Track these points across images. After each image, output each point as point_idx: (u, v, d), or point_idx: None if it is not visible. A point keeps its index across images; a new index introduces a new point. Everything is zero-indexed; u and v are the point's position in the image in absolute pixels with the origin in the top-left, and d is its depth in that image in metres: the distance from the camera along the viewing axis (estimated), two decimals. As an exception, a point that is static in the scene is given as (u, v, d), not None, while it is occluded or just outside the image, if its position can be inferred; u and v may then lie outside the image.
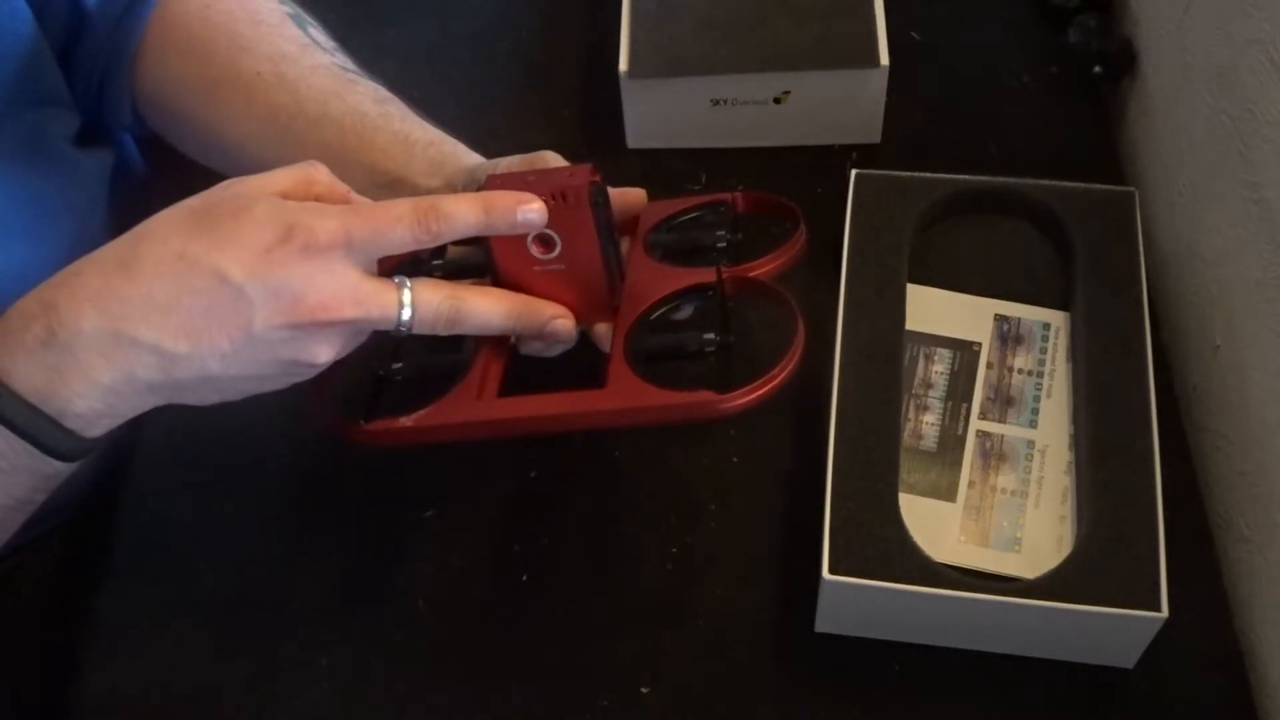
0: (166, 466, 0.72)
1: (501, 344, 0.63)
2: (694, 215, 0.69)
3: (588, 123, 0.83)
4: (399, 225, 0.54)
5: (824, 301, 0.70)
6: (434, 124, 0.84)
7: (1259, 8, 0.64)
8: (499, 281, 0.62)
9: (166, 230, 0.52)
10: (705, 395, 0.58)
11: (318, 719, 0.64)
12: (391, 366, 0.62)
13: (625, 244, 0.67)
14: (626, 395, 0.59)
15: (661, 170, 0.82)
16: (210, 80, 0.71)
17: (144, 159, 0.85)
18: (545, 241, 0.60)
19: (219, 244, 0.51)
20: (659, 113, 0.81)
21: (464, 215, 0.55)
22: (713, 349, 0.60)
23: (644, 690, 0.64)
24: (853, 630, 0.65)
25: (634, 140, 0.83)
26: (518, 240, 0.60)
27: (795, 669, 0.65)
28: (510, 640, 0.66)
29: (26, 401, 0.51)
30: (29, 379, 0.51)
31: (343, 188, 0.57)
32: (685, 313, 0.65)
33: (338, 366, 0.58)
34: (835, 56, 0.77)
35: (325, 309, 0.53)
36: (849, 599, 0.62)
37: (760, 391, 0.58)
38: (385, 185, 0.69)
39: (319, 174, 0.57)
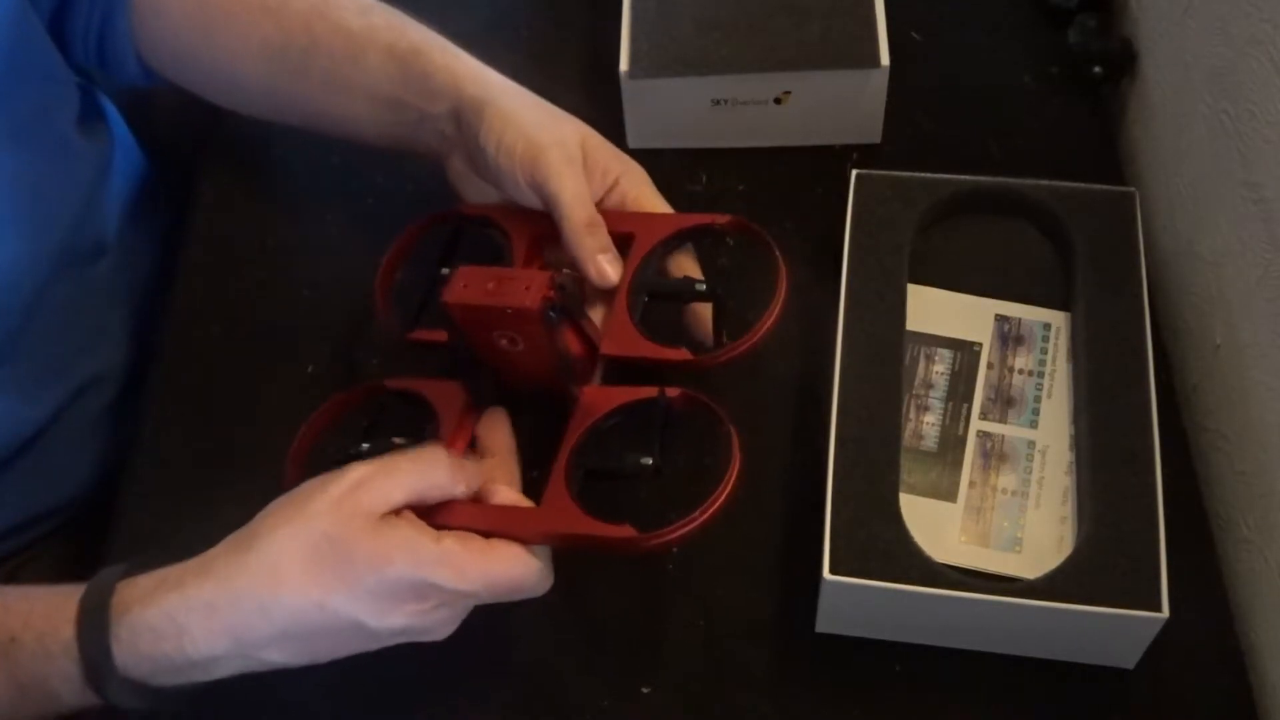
0: (167, 466, 0.72)
1: (465, 431, 0.64)
2: (679, 242, 0.68)
3: (588, 122, 0.83)
4: (514, 580, 0.56)
5: (824, 301, 0.70)
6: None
7: (1259, 8, 0.64)
8: (469, 352, 0.63)
9: (302, 573, 0.52)
10: (627, 531, 0.57)
11: (314, 717, 0.64)
12: (361, 447, 0.63)
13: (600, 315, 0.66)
14: (556, 520, 0.58)
15: (662, 170, 0.81)
16: (205, 21, 0.72)
17: (144, 156, 0.85)
18: (508, 337, 0.61)
19: (358, 599, 0.53)
20: (659, 113, 0.81)
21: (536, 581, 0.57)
22: (646, 473, 0.59)
23: (644, 690, 0.64)
24: (853, 630, 0.65)
25: (634, 140, 0.82)
26: (485, 330, 0.61)
27: (795, 669, 0.65)
28: (510, 640, 0.66)
29: (133, 685, 0.53)
30: (151, 678, 0.53)
31: (459, 487, 0.57)
32: (630, 426, 0.63)
33: (311, 443, 0.63)
34: (835, 56, 0.77)
35: (444, 635, 0.56)
36: (849, 599, 0.62)
37: (682, 531, 0.56)
38: (389, 108, 0.69)
39: (436, 479, 0.56)
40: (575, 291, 0.63)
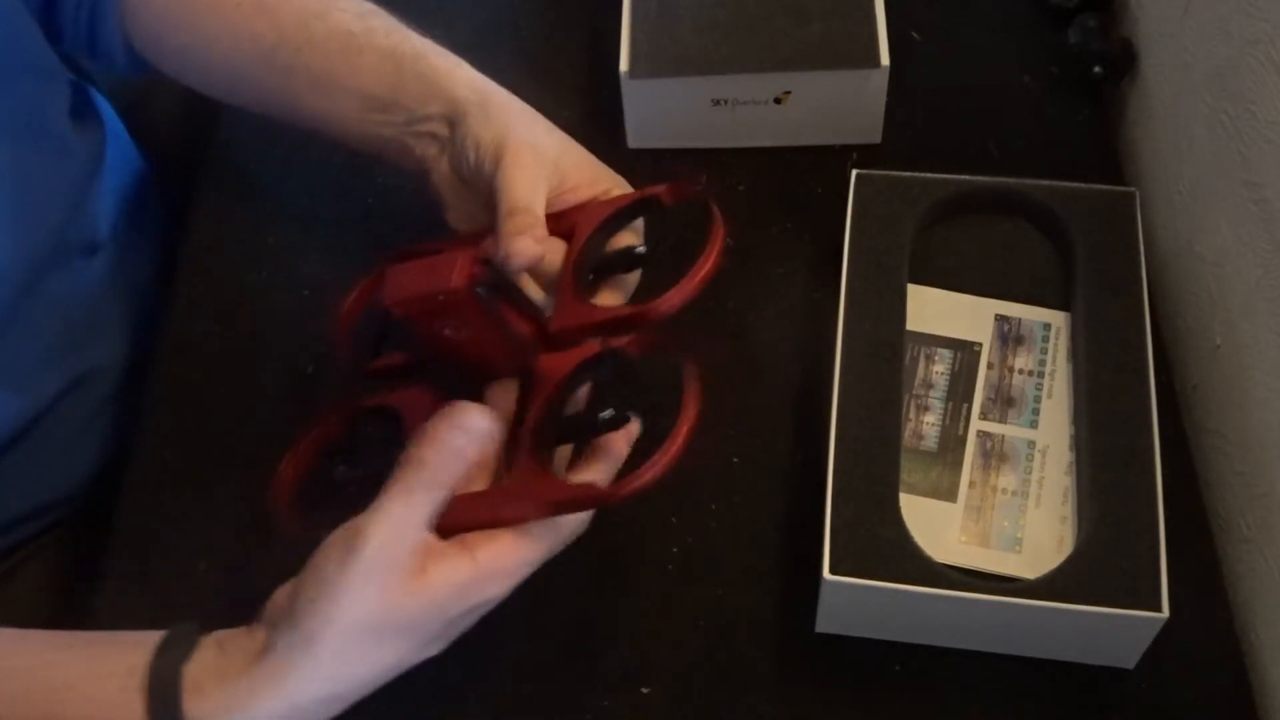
0: (166, 466, 0.72)
1: None
2: (621, 220, 0.68)
3: (588, 123, 0.83)
4: (547, 548, 0.57)
5: (824, 301, 0.70)
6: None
7: (1259, 8, 0.64)
8: (425, 349, 0.63)
9: (373, 659, 0.55)
10: (593, 488, 0.57)
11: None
12: (340, 468, 0.64)
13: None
14: (533, 492, 0.58)
15: (662, 170, 0.81)
16: (194, 14, 0.72)
17: (140, 154, 0.85)
18: (451, 325, 0.61)
19: (425, 648, 0.56)
20: (659, 113, 0.81)
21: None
22: (608, 426, 0.59)
23: (644, 690, 0.64)
24: (853, 630, 0.65)
25: (634, 140, 0.82)
26: (429, 326, 0.61)
27: (795, 669, 0.65)
28: (510, 640, 0.66)
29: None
30: None
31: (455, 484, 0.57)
32: (591, 381, 0.63)
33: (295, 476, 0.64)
34: (835, 56, 0.77)
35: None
36: (849, 599, 0.62)
37: (650, 474, 0.55)
38: (380, 109, 0.69)
39: (435, 494, 0.56)
40: (505, 272, 0.62)
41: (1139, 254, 0.70)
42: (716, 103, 0.80)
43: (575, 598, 0.66)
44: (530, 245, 0.62)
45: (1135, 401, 0.65)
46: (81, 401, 0.76)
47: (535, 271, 0.65)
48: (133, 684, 0.53)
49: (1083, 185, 0.72)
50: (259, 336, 0.77)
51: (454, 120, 0.67)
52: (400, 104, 0.68)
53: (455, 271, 0.58)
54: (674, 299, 0.61)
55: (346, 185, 0.82)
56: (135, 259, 0.81)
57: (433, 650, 0.56)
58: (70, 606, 0.70)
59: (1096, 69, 0.83)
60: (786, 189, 0.80)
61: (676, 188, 0.66)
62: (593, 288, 0.66)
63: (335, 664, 0.53)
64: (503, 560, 0.55)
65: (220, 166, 0.83)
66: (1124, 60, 0.83)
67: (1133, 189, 0.72)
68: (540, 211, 0.63)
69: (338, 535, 0.55)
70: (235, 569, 0.68)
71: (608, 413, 0.59)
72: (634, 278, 0.67)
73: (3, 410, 0.71)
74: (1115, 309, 0.68)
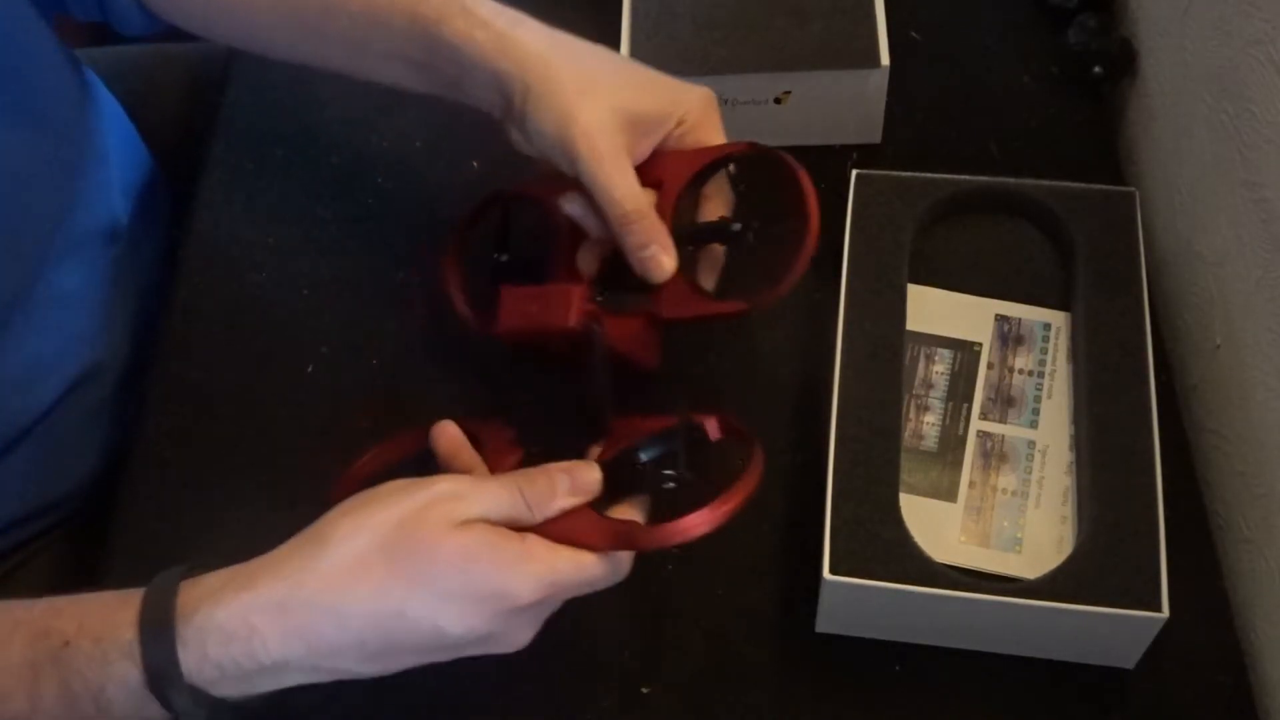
0: (166, 466, 0.72)
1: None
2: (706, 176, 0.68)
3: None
4: (596, 573, 0.55)
5: (824, 301, 0.70)
6: (435, 122, 0.84)
7: (1259, 8, 0.64)
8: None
9: (382, 575, 0.50)
10: (629, 525, 0.57)
11: (315, 718, 0.64)
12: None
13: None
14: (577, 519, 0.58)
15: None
16: None
17: (146, 148, 0.85)
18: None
19: (439, 604, 0.51)
20: (659, 113, 0.81)
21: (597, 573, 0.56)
22: (670, 492, 0.59)
23: (644, 690, 0.64)
24: (853, 630, 0.65)
25: (634, 140, 0.82)
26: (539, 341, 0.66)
27: (795, 669, 0.65)
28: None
29: (196, 692, 0.50)
30: (215, 685, 0.50)
31: (534, 516, 0.55)
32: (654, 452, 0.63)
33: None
34: (835, 56, 0.77)
35: (522, 644, 0.54)
36: (849, 599, 0.62)
37: (693, 525, 0.55)
38: (419, 70, 0.67)
39: (516, 510, 0.54)
40: (610, 292, 0.65)
41: (1139, 254, 0.70)
42: (716, 103, 0.80)
43: (575, 598, 0.66)
44: (667, 261, 0.63)
45: (1135, 401, 0.65)
46: (83, 400, 0.76)
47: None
48: (127, 595, 0.51)
49: (1083, 185, 0.72)
50: (259, 336, 0.77)
51: (505, 95, 0.64)
52: (440, 69, 0.66)
53: (571, 310, 0.63)
54: (782, 289, 0.63)
55: (346, 185, 0.82)
56: (142, 253, 0.81)
57: (443, 618, 0.51)
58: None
59: (1096, 69, 0.83)
60: (786, 188, 0.80)
61: (756, 146, 0.66)
62: (692, 261, 0.66)
63: (341, 567, 0.50)
64: (536, 559, 0.53)
65: (221, 166, 0.83)
66: (1124, 60, 0.83)
67: (1133, 189, 0.72)
68: (645, 204, 0.63)
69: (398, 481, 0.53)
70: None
71: (670, 478, 0.59)
72: (723, 249, 0.67)
73: (10, 408, 0.71)
74: (1115, 309, 0.68)
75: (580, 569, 0.54)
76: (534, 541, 0.53)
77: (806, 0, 0.79)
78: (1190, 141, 0.74)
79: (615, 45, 0.79)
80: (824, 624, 0.65)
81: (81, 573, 0.72)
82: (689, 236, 0.66)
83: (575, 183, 0.65)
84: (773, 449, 0.71)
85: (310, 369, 0.75)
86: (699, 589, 0.67)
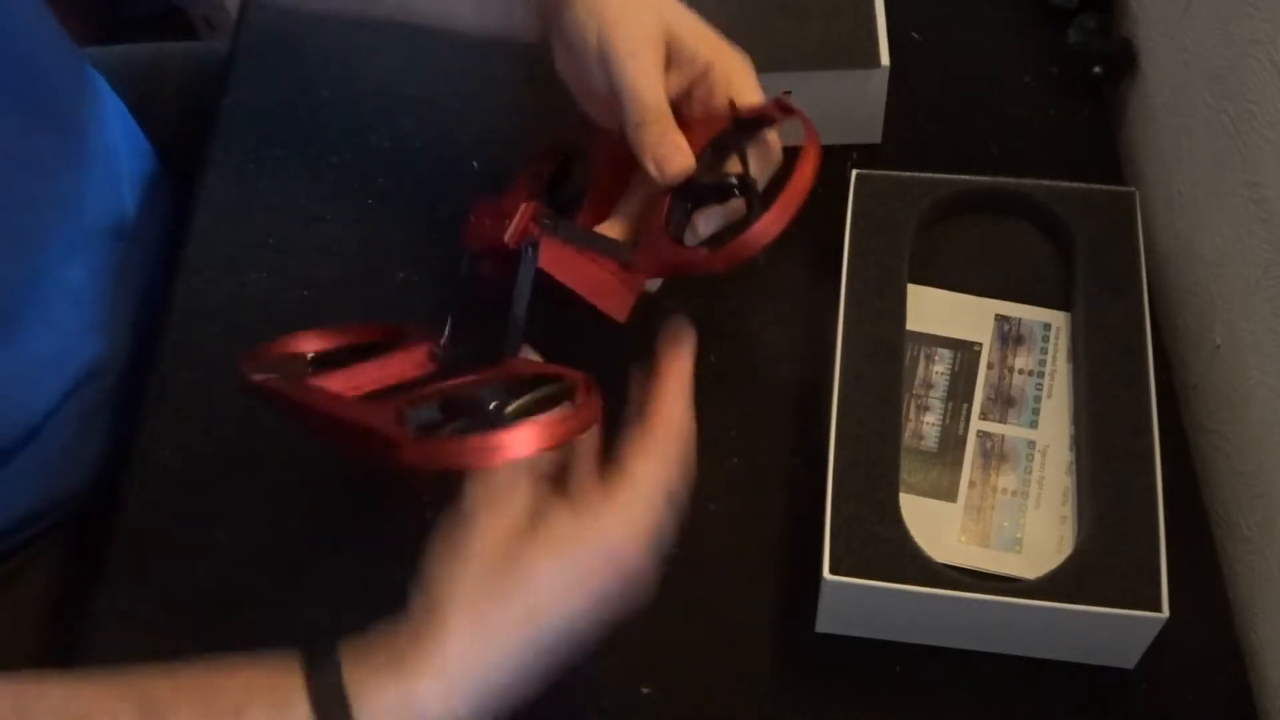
0: (167, 466, 0.72)
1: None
2: (727, 141, 0.67)
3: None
4: (662, 478, 0.55)
5: (824, 301, 0.70)
6: (436, 122, 0.84)
7: (1259, 8, 0.64)
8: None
9: (506, 624, 0.53)
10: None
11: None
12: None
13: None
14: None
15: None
16: None
17: (149, 144, 0.85)
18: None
19: (571, 613, 0.53)
20: (659, 113, 0.81)
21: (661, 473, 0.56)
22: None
23: (644, 690, 0.64)
24: (853, 630, 0.65)
25: (634, 140, 0.82)
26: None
27: (795, 669, 0.65)
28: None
29: None
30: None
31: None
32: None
33: None
34: (835, 56, 0.77)
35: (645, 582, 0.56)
36: (849, 599, 0.62)
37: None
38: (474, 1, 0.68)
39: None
40: (569, 222, 0.63)
41: (1139, 254, 0.70)
42: (716, 103, 0.80)
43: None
44: (681, 159, 0.61)
45: (1135, 401, 0.65)
46: (85, 398, 0.76)
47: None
48: (285, 664, 0.52)
49: (1083, 185, 0.72)
50: (259, 336, 0.77)
51: (547, 5, 0.65)
52: None
53: (510, 226, 0.61)
54: (749, 241, 0.61)
55: (346, 185, 0.82)
56: (145, 248, 0.81)
57: (576, 605, 0.53)
58: (72, 606, 0.70)
59: (1096, 69, 0.83)
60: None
61: (781, 103, 0.64)
62: (685, 220, 0.65)
63: (468, 618, 0.52)
64: (614, 499, 0.54)
65: (221, 166, 0.83)
66: (1124, 60, 0.83)
67: (1133, 189, 0.72)
68: (667, 109, 0.62)
69: (454, 506, 0.54)
70: (235, 569, 0.68)
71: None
72: (734, 204, 0.65)
73: (17, 408, 0.71)
74: (1115, 309, 0.68)
75: (644, 473, 0.55)
76: (581, 500, 0.54)
77: (806, 0, 0.79)
78: (1190, 141, 0.74)
79: (615, 45, 0.79)
80: (824, 624, 0.65)
81: (83, 573, 0.72)
82: (689, 195, 0.65)
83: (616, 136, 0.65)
84: (773, 449, 0.71)
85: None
86: (699, 589, 0.67)
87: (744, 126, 0.65)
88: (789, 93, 0.79)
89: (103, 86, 0.79)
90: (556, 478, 0.56)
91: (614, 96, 0.63)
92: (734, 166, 0.66)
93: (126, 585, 0.68)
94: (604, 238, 0.65)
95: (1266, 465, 0.65)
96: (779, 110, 0.64)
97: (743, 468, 0.70)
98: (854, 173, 0.73)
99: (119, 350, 0.78)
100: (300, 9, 0.74)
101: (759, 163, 0.65)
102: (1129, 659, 0.63)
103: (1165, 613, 0.59)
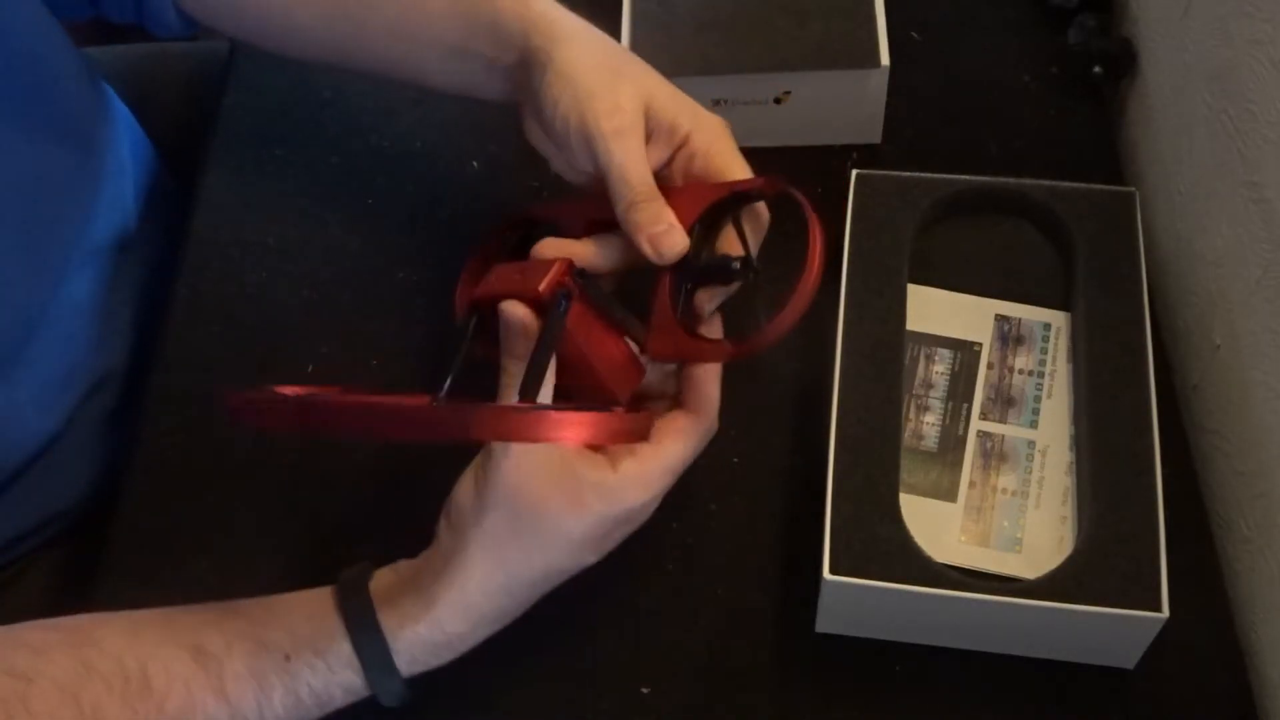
0: (167, 466, 0.72)
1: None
2: (720, 211, 0.66)
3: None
4: (688, 451, 0.61)
5: (824, 301, 0.70)
6: (435, 122, 0.84)
7: (1259, 8, 0.64)
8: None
9: (525, 557, 0.58)
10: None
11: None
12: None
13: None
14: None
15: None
16: None
17: (154, 150, 0.85)
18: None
19: (578, 553, 0.59)
20: (659, 113, 0.81)
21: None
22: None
23: (644, 690, 0.64)
24: (853, 630, 0.65)
25: (634, 140, 0.82)
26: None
27: (795, 669, 0.65)
28: (510, 641, 0.66)
29: (405, 682, 0.58)
30: (417, 673, 0.58)
31: None
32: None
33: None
34: (835, 56, 0.77)
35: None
36: (849, 599, 0.62)
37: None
38: (456, 57, 0.68)
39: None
40: (599, 285, 0.63)
41: (1139, 254, 0.70)
42: (716, 103, 0.79)
43: (575, 597, 0.66)
44: (678, 239, 0.62)
45: (1135, 401, 0.65)
46: (92, 412, 0.76)
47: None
48: (320, 604, 0.58)
49: (1083, 185, 0.72)
50: (259, 336, 0.77)
51: (529, 70, 0.64)
52: (477, 51, 0.67)
53: (546, 277, 0.60)
54: (769, 335, 0.62)
55: (346, 185, 0.82)
56: (148, 257, 0.81)
57: (587, 558, 0.59)
58: (73, 606, 0.70)
59: (1096, 69, 0.83)
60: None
61: (773, 182, 0.63)
62: (689, 301, 0.64)
63: (492, 558, 0.56)
64: (641, 466, 0.58)
65: (221, 166, 0.83)
66: (1124, 60, 0.83)
67: (1133, 189, 0.72)
68: (656, 187, 0.62)
69: (484, 448, 0.58)
70: (235, 569, 0.68)
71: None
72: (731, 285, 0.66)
73: (27, 430, 0.71)
74: (1115, 309, 0.68)
75: (684, 453, 0.60)
76: (628, 464, 0.58)
77: (806, 0, 0.79)
78: (1190, 141, 0.74)
79: (615, 45, 0.79)
80: (824, 624, 0.65)
81: (84, 574, 0.72)
82: (688, 274, 0.64)
83: (591, 197, 0.65)
84: (773, 449, 0.71)
85: (310, 369, 0.75)
86: (699, 589, 0.67)
87: (736, 200, 0.64)
88: (789, 92, 0.79)
89: (113, 100, 0.79)
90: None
91: (597, 174, 0.63)
92: (728, 241, 0.65)
93: (126, 585, 0.68)
94: (628, 314, 0.63)
95: (1266, 465, 0.65)
96: (770, 187, 0.63)
97: (743, 468, 0.71)
98: (854, 173, 0.73)
99: (124, 358, 0.78)
100: (281, 56, 0.75)
101: (751, 235, 0.65)
102: (1129, 659, 0.63)
103: (1165, 613, 0.59)
